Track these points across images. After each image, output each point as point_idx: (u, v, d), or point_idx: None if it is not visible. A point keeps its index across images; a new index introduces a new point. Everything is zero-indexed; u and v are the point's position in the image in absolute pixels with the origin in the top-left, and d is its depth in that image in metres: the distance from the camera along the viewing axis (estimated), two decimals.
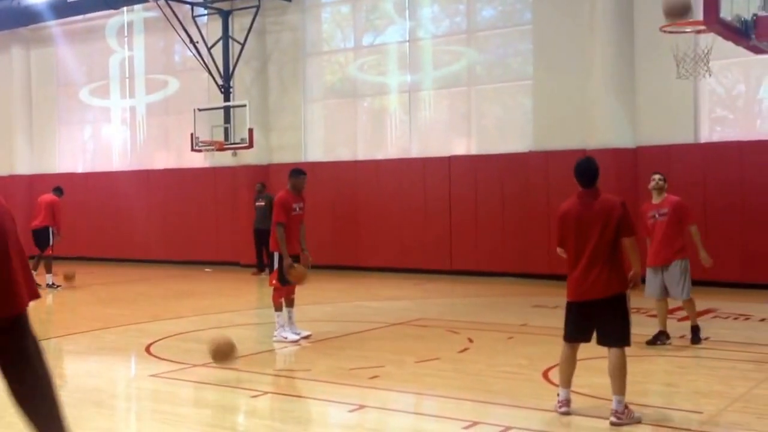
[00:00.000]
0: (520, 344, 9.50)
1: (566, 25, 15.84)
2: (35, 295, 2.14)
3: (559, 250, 6.56)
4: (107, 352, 9.69)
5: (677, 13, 8.08)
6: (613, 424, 5.98)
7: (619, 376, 6.09)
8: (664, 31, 9.41)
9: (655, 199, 9.10)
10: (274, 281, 9.82)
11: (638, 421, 6.04)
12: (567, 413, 6.31)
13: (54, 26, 22.63)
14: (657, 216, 8.99)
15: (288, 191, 9.83)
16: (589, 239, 6.18)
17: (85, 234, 20.91)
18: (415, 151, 18.09)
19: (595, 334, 6.35)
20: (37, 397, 2.08)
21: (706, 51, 10.53)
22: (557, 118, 15.94)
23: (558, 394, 6.43)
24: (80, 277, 16.84)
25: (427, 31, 18.30)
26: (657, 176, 9.17)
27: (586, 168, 6.39)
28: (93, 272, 18.69)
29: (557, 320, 10.90)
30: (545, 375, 7.72)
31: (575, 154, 15.49)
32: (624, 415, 6.01)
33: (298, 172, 10.02)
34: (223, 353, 7.86)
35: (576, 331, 6.39)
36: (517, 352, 8.97)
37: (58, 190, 16.14)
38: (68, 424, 2.12)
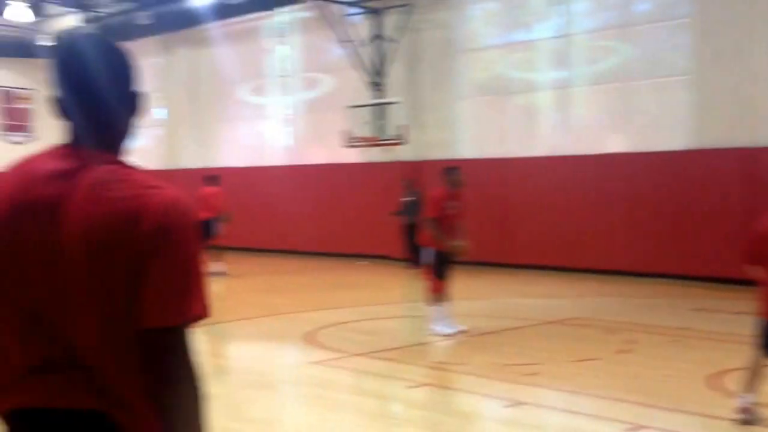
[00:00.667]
0: (682, 348, 9.24)
1: (729, 16, 15.23)
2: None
3: (751, 268, 6.11)
4: (271, 338, 10.08)
5: None
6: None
7: None
8: None
9: None
10: (430, 275, 9.92)
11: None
12: (748, 422, 6.07)
13: (217, 27, 23.62)
14: None
15: (444, 189, 9.90)
16: None
17: (244, 226, 21.70)
18: (567, 149, 17.84)
19: None
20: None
21: None
22: (719, 115, 15.34)
23: (740, 398, 6.19)
24: (243, 266, 17.53)
25: (580, 26, 18.00)
26: None
27: None
28: (254, 262, 19.44)
29: (720, 325, 10.67)
30: (710, 381, 7.51)
31: (739, 153, 15.02)
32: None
33: (452, 169, 10.06)
34: None
35: None
36: (680, 356, 8.75)
37: (214, 179, 16.69)
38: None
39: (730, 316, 11.41)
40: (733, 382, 7.35)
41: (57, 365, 1.88)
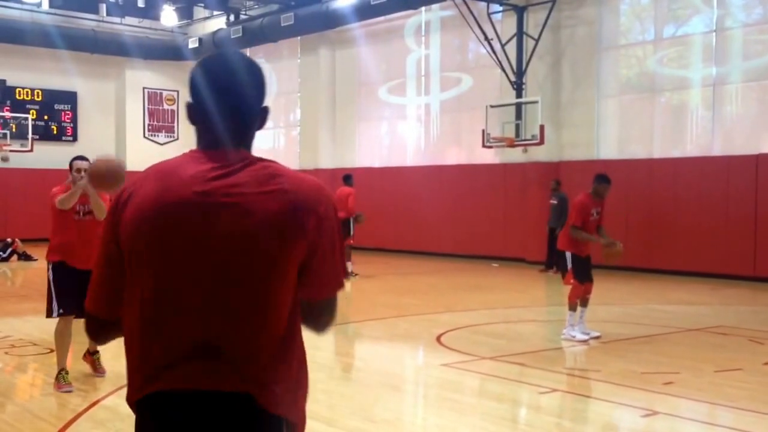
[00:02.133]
0: None
1: None
2: None
3: None
4: (401, 339, 10.09)
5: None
6: None
7: None
8: None
9: None
10: (572, 280, 9.71)
11: None
12: None
13: (357, 28, 23.92)
14: None
15: (589, 195, 9.69)
16: None
17: (380, 226, 21.90)
18: (718, 149, 17.07)
19: None
20: None
21: None
22: None
23: None
24: (375, 266, 17.70)
25: (736, 20, 17.18)
26: None
27: None
28: (386, 262, 19.58)
29: None
30: None
31: None
32: None
33: (603, 178, 9.81)
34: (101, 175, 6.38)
35: None
36: None
37: (349, 179, 16.89)
38: None
39: None
40: None
41: (204, 352, 2.08)
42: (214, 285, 2.08)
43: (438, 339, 9.74)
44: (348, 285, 15.55)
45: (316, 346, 8.29)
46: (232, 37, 25.54)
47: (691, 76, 17.81)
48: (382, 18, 22.91)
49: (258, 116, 2.24)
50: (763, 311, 12.60)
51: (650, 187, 17.48)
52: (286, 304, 2.13)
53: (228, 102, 2.17)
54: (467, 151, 21.80)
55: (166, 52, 28.14)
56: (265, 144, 26.74)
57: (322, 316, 2.26)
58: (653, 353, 9.01)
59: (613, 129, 19.06)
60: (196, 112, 2.21)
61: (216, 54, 2.27)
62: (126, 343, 2.19)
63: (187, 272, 2.08)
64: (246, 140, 2.23)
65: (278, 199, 2.09)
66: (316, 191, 2.16)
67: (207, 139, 2.20)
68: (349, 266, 16.43)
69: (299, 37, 25.44)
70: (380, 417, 6.55)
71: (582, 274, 9.60)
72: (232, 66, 2.21)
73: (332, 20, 23.19)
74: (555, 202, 17.36)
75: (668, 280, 16.07)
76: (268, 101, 2.28)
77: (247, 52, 27.54)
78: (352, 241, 16.50)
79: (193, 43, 27.13)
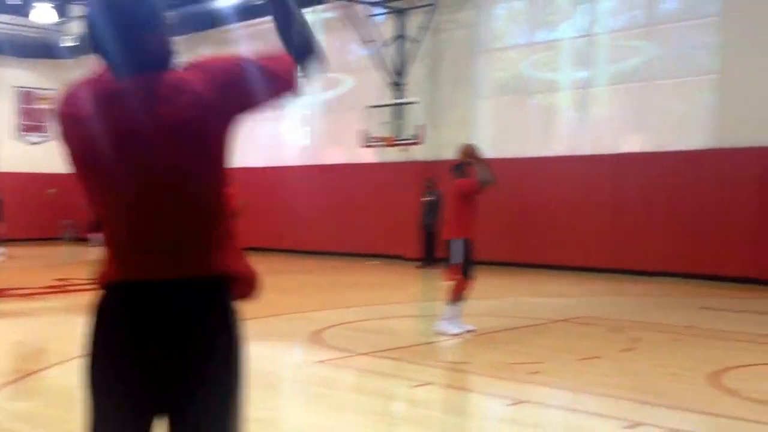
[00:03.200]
0: (686, 346, 9.22)
1: (757, 15, 15.14)
2: None
3: None
4: (277, 337, 10.10)
5: None
6: None
7: None
8: None
9: None
10: (457, 275, 9.88)
11: None
12: None
13: (239, 28, 23.73)
14: None
15: (475, 181, 9.94)
16: None
17: (260, 225, 21.83)
18: (585, 149, 17.81)
19: None
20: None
21: None
22: (744, 114, 15.26)
23: None
24: (255, 266, 17.60)
25: (603, 26, 17.96)
26: None
27: None
28: (264, 262, 19.46)
29: (726, 323, 10.66)
30: (713, 379, 7.48)
31: (763, 152, 14.91)
32: None
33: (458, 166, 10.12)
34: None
35: None
36: (683, 354, 8.72)
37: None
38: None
39: (736, 315, 11.41)
40: (734, 380, 7.34)
41: (155, 246, 2.33)
42: (149, 181, 2.28)
43: (314, 336, 9.81)
44: None
45: None
46: None
47: (561, 79, 18.51)
48: (264, 19, 22.80)
49: (158, 30, 2.39)
50: (623, 301, 13.26)
51: (523, 184, 18.06)
52: (216, 186, 2.38)
53: (119, 24, 2.31)
54: (347, 150, 21.98)
55: (40, 50, 27.27)
56: None
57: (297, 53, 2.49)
58: (521, 344, 9.36)
59: (489, 129, 19.60)
60: (91, 42, 2.33)
61: None
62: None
63: (124, 172, 2.27)
64: (151, 54, 2.36)
65: (183, 89, 2.29)
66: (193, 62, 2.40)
67: (108, 65, 2.32)
68: None
69: (182, 37, 25.03)
70: (254, 416, 6.49)
71: (468, 269, 9.79)
72: None
73: (215, 20, 22.95)
74: (429, 199, 17.72)
75: (539, 274, 16.66)
76: None
77: None
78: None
79: (69, 41, 26.34)
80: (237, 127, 2.35)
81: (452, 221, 9.94)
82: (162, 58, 2.38)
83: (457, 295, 9.89)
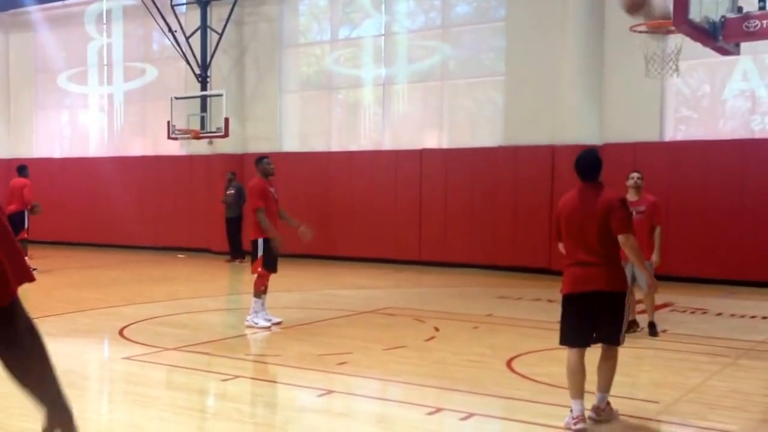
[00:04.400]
0: (484, 334, 9.76)
1: (538, 22, 16.12)
2: (28, 278, 2.20)
3: (559, 245, 6.23)
4: (81, 334, 9.80)
5: (634, 7, 8.20)
6: (592, 419, 5.93)
7: (610, 373, 6.00)
8: (634, 31, 9.68)
9: (632, 197, 9.19)
10: (259, 268, 9.95)
11: (616, 419, 6.05)
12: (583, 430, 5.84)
13: (33, 12, 22.60)
14: (634, 213, 9.20)
15: (260, 178, 10.00)
16: (586, 234, 5.89)
17: (61, 219, 20.95)
18: (388, 144, 18.33)
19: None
20: (34, 377, 2.18)
21: (675, 51, 10.76)
22: (527, 114, 16.23)
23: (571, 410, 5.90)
24: (55, 260, 16.93)
25: (402, 26, 18.52)
26: (636, 174, 9.44)
27: (585, 161, 6.07)
28: (68, 256, 18.79)
29: (521, 311, 11.35)
30: (508, 364, 7.97)
31: (543, 150, 15.93)
32: (605, 412, 6.02)
33: (260, 159, 10.20)
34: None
35: (574, 325, 5.97)
36: (482, 342, 9.24)
37: (23, 170, 16.01)
38: (67, 397, 2.23)
39: (530, 303, 12.18)
40: (526, 364, 7.87)
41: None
42: None
43: (120, 332, 9.60)
44: None
45: None
46: None
47: (364, 76, 18.94)
48: (59, 3, 21.87)
49: None
50: (426, 292, 13.83)
51: (328, 178, 18.35)
52: None
53: None
54: (153, 142, 21.47)
55: None
56: None
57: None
58: (329, 336, 9.58)
59: (295, 123, 19.74)
60: None
61: None
62: None
63: None
64: None
65: None
66: None
67: None
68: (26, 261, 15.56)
69: None
70: None
71: (270, 262, 9.91)
72: None
73: (5, 1, 21.71)
74: (232, 192, 17.67)
75: (346, 267, 16.99)
76: None
77: None
78: (27, 234, 15.65)
79: None
80: None
81: (253, 222, 10.09)
82: None
83: (259, 289, 9.98)
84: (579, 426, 5.77)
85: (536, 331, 9.74)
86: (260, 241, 9.88)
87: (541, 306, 11.92)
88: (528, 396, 6.79)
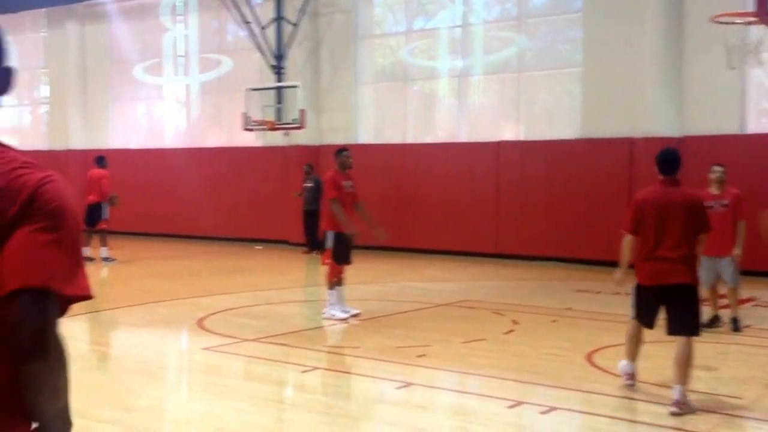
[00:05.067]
0: (563, 328, 9.62)
1: (616, 13, 15.79)
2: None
3: (627, 236, 6.48)
4: (160, 325, 9.95)
5: None
6: (673, 414, 5.95)
7: (686, 366, 6.07)
8: (715, 22, 9.41)
9: (716, 190, 9.17)
10: (328, 260, 9.97)
11: (694, 412, 6.02)
12: (632, 386, 6.63)
13: (109, 3, 23.04)
14: (717, 206, 9.00)
15: (336, 170, 9.99)
16: (669, 229, 6.18)
17: (137, 209, 21.31)
18: (464, 136, 18.19)
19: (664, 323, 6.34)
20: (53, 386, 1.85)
21: (756, 42, 10.45)
22: (605, 106, 15.92)
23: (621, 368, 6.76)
24: (133, 251, 17.23)
25: (478, 17, 18.34)
26: (719, 168, 9.33)
27: (669, 157, 6.39)
28: (145, 247, 19.13)
29: (600, 305, 11.14)
30: (588, 358, 7.83)
31: (621, 142, 15.60)
32: (685, 405, 6.00)
33: (340, 150, 10.19)
34: None
35: (645, 314, 6.46)
36: (561, 335, 9.09)
37: (102, 161, 16.32)
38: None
39: (609, 297, 11.92)
40: (606, 359, 7.70)
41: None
42: None
43: (199, 323, 9.71)
44: (105, 270, 15.09)
45: (67, 335, 8.05)
46: None
47: (439, 67, 18.82)
48: None
49: None
50: (504, 285, 13.66)
51: (404, 170, 18.29)
52: None
53: None
54: (228, 133, 21.69)
55: None
56: (8, 122, 25.11)
57: (15, 330, 1.71)
58: (407, 328, 9.54)
59: (370, 115, 19.72)
60: None
61: None
62: None
63: None
64: None
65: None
66: (39, 178, 1.82)
67: None
68: (105, 251, 15.92)
69: (44, 9, 24.07)
70: (137, 405, 6.46)
71: (340, 255, 9.91)
72: None
73: None
74: (309, 185, 17.73)
75: (422, 259, 16.93)
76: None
77: None
78: (106, 225, 15.99)
79: None
80: None
81: (325, 213, 10.13)
82: None
83: (332, 281, 9.98)
84: (627, 381, 6.65)
85: (616, 325, 9.50)
86: (330, 234, 9.89)
87: (621, 300, 11.57)
88: (609, 390, 6.70)
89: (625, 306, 10.92)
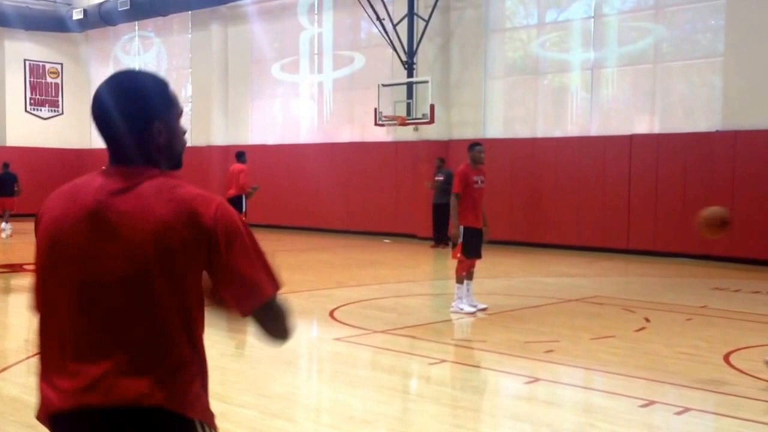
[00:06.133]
0: (699, 326, 9.34)
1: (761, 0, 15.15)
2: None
3: None
4: (295, 315, 10.21)
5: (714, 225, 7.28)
6: None
7: None
8: None
9: None
10: (459, 254, 10.02)
11: None
12: None
13: (249, 4, 23.78)
14: None
15: (468, 165, 10.02)
16: None
17: (272, 203, 21.94)
18: (596, 130, 17.85)
19: None
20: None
21: None
22: (748, 97, 15.30)
23: None
24: (267, 243, 17.66)
25: (612, 7, 17.95)
26: None
27: None
28: (278, 239, 19.66)
29: (738, 304, 10.75)
30: (726, 359, 7.58)
31: (765, 135, 14.94)
32: None
33: (473, 145, 10.20)
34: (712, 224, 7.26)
35: None
36: (696, 334, 8.84)
37: (242, 156, 16.86)
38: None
39: (748, 295, 11.48)
40: (744, 360, 7.44)
41: (101, 361, 2.30)
42: (106, 294, 2.12)
43: (331, 314, 9.94)
44: None
45: (209, 324, 8.31)
46: (119, 9, 24.94)
47: (571, 60, 18.52)
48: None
49: (145, 133, 2.19)
50: (635, 281, 13.36)
51: (533, 165, 18.12)
52: (176, 308, 2.14)
53: (104, 127, 2.21)
54: (360, 129, 22.03)
55: (48, 22, 27.25)
56: None
57: (264, 326, 2.25)
58: (535, 323, 9.48)
59: (499, 109, 19.63)
60: (98, 130, 2.24)
61: (111, 76, 2.25)
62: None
63: (79, 280, 2.14)
64: (146, 152, 2.21)
65: (173, 207, 2.11)
66: (208, 199, 2.18)
67: (110, 155, 2.24)
68: None
69: (190, 12, 25.09)
70: (273, 392, 6.68)
71: (469, 249, 9.94)
72: (113, 88, 2.21)
73: None
74: (440, 178, 17.79)
75: (550, 254, 16.74)
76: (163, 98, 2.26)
77: (135, 25, 26.99)
78: (244, 218, 16.46)
79: (77, 15, 26.39)
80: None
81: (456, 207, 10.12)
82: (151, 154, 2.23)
83: (460, 275, 10.00)
84: None
85: (757, 325, 9.20)
86: (461, 228, 9.90)
87: (762, 299, 11.25)
88: (749, 393, 6.44)
89: (764, 305, 10.58)
